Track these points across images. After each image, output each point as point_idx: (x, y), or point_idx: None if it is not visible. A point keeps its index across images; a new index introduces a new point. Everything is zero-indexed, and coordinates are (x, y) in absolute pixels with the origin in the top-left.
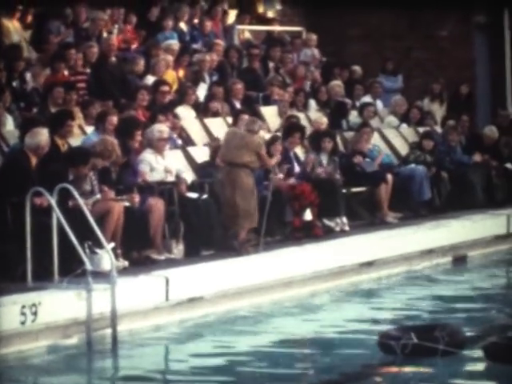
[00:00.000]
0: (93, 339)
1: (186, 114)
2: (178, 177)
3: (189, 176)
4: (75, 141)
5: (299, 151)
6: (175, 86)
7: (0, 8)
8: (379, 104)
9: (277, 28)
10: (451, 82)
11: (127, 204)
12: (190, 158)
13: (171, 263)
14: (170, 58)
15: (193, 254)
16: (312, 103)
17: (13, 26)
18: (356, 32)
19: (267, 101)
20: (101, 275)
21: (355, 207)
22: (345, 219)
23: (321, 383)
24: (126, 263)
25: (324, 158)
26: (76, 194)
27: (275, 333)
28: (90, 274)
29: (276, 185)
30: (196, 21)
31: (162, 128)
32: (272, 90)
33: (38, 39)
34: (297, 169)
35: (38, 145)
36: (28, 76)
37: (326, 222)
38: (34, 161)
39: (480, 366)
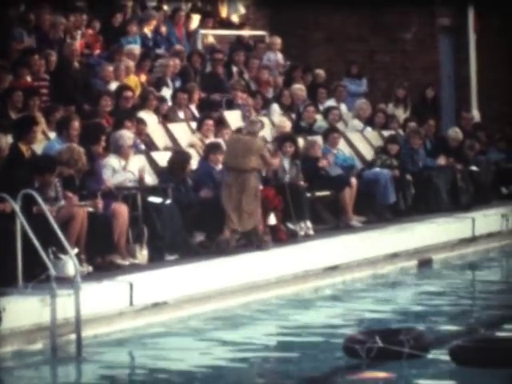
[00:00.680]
0: (57, 345)
1: (148, 119)
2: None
3: (152, 181)
4: (38, 146)
5: None
6: (138, 91)
7: None
8: (343, 108)
9: (240, 32)
10: (416, 85)
11: (91, 209)
12: (153, 163)
13: (135, 268)
14: (132, 63)
15: (157, 259)
16: (275, 107)
17: None
18: (319, 35)
19: (230, 105)
20: (65, 281)
21: (319, 211)
22: (309, 223)
23: None
24: (90, 268)
25: (286, 163)
26: (40, 200)
27: (239, 338)
28: (54, 280)
29: None
30: (159, 26)
31: (129, 134)
32: (235, 94)
33: (1, 45)
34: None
35: None
36: None
37: (291, 226)
38: None
39: (445, 369)
